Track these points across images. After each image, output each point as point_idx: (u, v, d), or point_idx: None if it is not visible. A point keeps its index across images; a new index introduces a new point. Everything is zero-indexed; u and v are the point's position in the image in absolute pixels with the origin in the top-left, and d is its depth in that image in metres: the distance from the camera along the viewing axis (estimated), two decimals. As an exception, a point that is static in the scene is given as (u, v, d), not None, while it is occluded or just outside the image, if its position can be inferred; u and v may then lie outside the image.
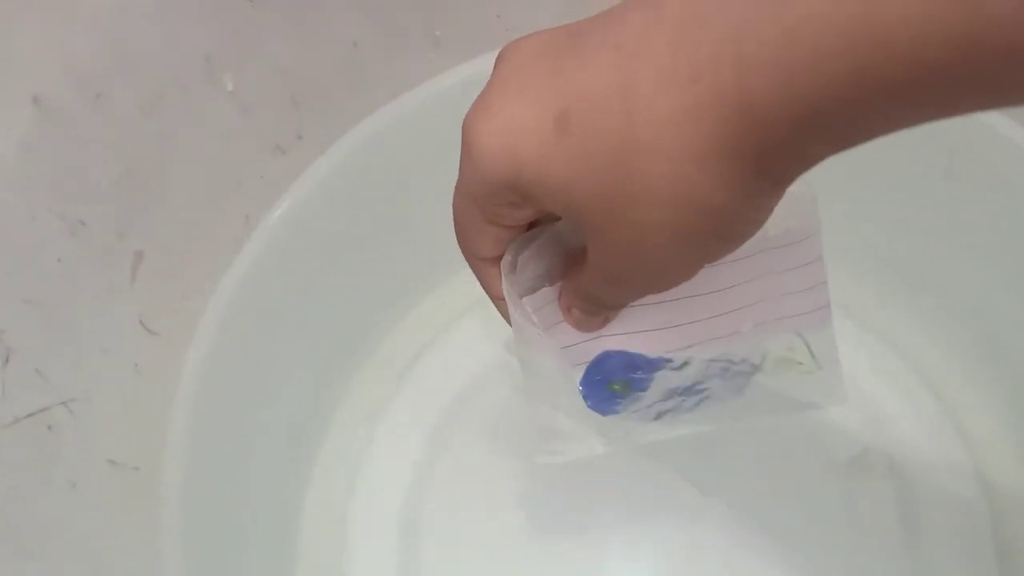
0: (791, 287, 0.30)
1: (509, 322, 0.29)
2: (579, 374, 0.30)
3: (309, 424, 0.49)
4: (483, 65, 0.46)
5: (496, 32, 0.44)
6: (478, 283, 0.54)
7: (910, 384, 0.49)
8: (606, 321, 0.29)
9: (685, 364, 0.30)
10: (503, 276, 0.27)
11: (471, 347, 0.52)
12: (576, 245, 0.27)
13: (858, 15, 0.16)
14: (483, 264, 0.27)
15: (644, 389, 0.31)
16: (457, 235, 0.27)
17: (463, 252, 0.27)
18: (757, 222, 0.22)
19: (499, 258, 0.27)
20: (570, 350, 0.30)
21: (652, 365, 0.30)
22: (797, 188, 0.26)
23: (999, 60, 0.15)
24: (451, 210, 0.50)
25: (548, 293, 0.28)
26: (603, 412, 0.31)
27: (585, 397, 0.30)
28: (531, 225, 0.27)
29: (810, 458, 0.47)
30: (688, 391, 0.31)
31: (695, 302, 0.29)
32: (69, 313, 0.35)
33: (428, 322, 0.53)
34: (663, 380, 0.31)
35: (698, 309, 0.29)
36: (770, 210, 0.22)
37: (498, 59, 0.23)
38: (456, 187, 0.25)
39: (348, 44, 0.42)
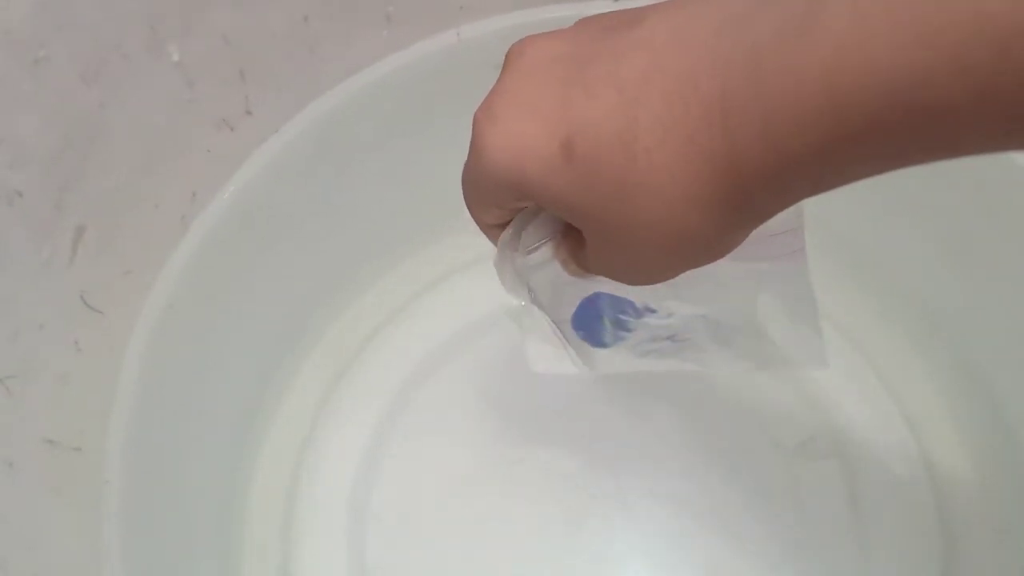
0: (773, 268, 0.31)
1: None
2: (574, 306, 0.32)
3: (257, 406, 0.48)
4: (436, 45, 0.46)
5: (448, 8, 0.44)
6: (432, 266, 0.54)
7: (855, 366, 0.50)
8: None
9: (670, 315, 0.32)
10: (500, 250, 0.29)
11: (423, 331, 0.52)
12: None
13: (822, 81, 0.18)
14: (487, 228, 0.30)
15: (630, 330, 0.33)
16: (465, 202, 0.29)
17: (470, 213, 0.29)
18: (735, 244, 0.24)
19: (502, 225, 0.29)
20: (565, 289, 0.31)
21: (638, 311, 0.32)
22: None
23: (934, 120, 0.17)
24: (400, 192, 0.50)
25: (546, 251, 0.30)
26: (592, 342, 0.33)
27: (576, 328, 0.32)
28: None
29: (758, 444, 0.48)
30: (673, 339, 0.33)
31: None
32: (4, 287, 0.34)
33: (380, 305, 0.52)
34: (648, 326, 0.33)
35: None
36: (747, 235, 0.24)
37: (506, 62, 0.25)
38: (466, 170, 0.27)
39: (299, 18, 0.41)
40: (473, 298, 0.51)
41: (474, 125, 0.25)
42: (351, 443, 0.49)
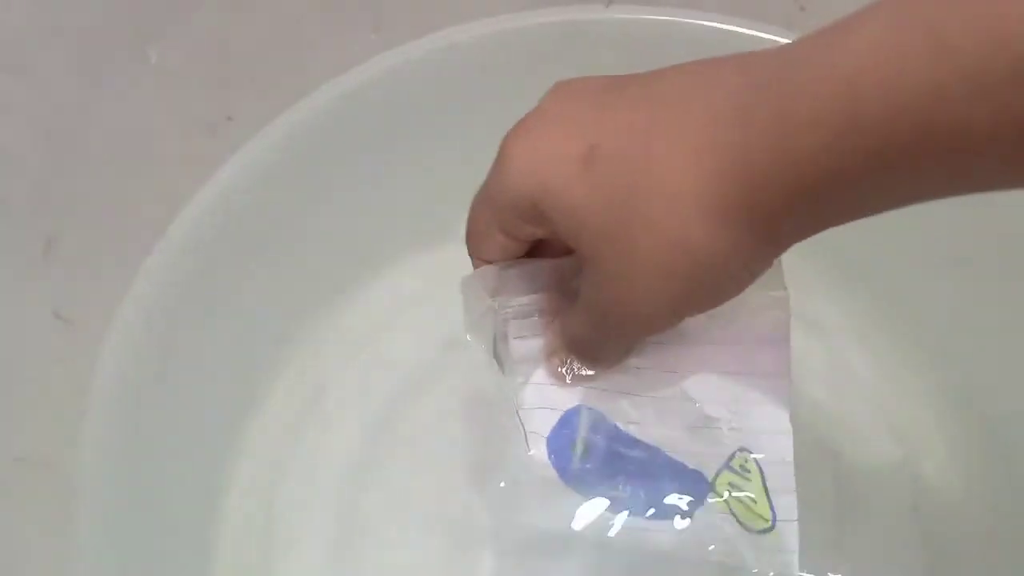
0: (752, 398, 0.30)
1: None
2: (553, 421, 0.30)
3: (234, 419, 0.47)
4: (423, 48, 0.45)
5: (436, 12, 0.43)
6: (418, 275, 0.53)
7: (843, 382, 0.50)
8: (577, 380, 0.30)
9: (637, 443, 0.30)
10: (474, 275, 0.29)
11: (408, 341, 0.51)
12: (570, 285, 0.29)
13: (840, 90, 0.19)
14: (483, 263, 0.30)
15: (598, 460, 0.30)
16: (467, 234, 0.29)
17: (469, 250, 0.29)
18: (738, 280, 0.24)
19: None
20: (546, 390, 0.30)
21: (609, 434, 0.30)
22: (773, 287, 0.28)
23: (950, 141, 0.18)
24: (383, 199, 0.50)
25: (535, 324, 0.29)
26: (560, 472, 0.30)
27: (549, 448, 0.30)
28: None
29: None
30: (640, 478, 0.30)
31: (662, 378, 0.30)
32: (-27, 296, 0.33)
33: (363, 314, 0.51)
34: (617, 455, 0.30)
35: (663, 385, 0.30)
36: (752, 273, 0.24)
37: (548, 93, 0.26)
38: (479, 192, 0.27)
39: (288, 21, 0.41)
40: (458, 309, 0.51)
41: (503, 142, 0.25)
42: (335, 454, 0.47)
